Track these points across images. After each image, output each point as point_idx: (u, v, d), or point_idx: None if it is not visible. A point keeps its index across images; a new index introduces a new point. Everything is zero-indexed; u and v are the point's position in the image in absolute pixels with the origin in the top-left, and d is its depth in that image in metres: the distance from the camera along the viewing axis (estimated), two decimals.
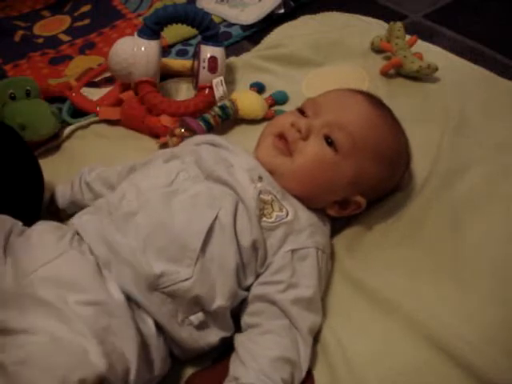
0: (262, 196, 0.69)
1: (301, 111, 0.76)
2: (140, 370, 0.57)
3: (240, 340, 0.65)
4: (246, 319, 0.67)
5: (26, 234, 0.66)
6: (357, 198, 0.73)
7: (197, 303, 0.63)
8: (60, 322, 0.55)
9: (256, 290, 0.67)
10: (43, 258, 0.61)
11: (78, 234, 0.66)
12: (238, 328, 0.68)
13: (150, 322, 0.62)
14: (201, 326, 0.64)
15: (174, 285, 0.62)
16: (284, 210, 0.69)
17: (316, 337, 0.68)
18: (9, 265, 0.61)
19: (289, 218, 0.69)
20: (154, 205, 0.66)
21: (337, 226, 0.79)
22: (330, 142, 0.71)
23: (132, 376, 0.56)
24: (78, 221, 0.69)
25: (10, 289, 0.59)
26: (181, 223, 0.65)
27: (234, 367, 0.63)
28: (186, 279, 0.62)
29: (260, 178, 0.71)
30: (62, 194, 0.86)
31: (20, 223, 0.69)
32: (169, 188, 0.69)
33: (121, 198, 0.69)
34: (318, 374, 0.65)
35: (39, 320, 0.55)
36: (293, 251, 0.67)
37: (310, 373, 0.65)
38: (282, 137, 0.73)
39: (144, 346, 0.59)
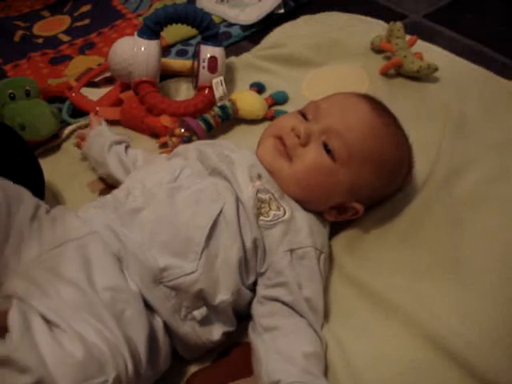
0: (259, 195, 0.69)
1: (302, 114, 0.75)
2: (147, 361, 0.58)
3: (265, 346, 0.63)
4: (262, 322, 0.66)
5: (52, 213, 0.68)
6: (354, 204, 0.73)
7: (200, 297, 0.64)
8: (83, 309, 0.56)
9: (265, 292, 0.67)
10: (72, 234, 0.63)
11: None
12: (239, 325, 0.68)
13: (158, 317, 0.62)
14: (204, 322, 0.64)
15: (178, 278, 0.62)
16: (281, 208, 0.70)
17: None
18: (35, 236, 0.63)
19: (286, 216, 0.69)
20: (159, 201, 0.67)
21: (337, 226, 0.79)
22: (328, 149, 0.71)
23: (141, 367, 0.57)
24: (84, 214, 0.69)
25: (32, 261, 0.61)
26: (185, 218, 0.66)
27: (268, 372, 0.60)
28: (191, 273, 0.63)
29: (259, 176, 0.71)
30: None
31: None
32: (173, 184, 0.70)
33: (127, 194, 0.70)
34: None
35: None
36: (291, 251, 0.67)
37: None
38: (281, 140, 0.73)
39: (151, 340, 0.60)
